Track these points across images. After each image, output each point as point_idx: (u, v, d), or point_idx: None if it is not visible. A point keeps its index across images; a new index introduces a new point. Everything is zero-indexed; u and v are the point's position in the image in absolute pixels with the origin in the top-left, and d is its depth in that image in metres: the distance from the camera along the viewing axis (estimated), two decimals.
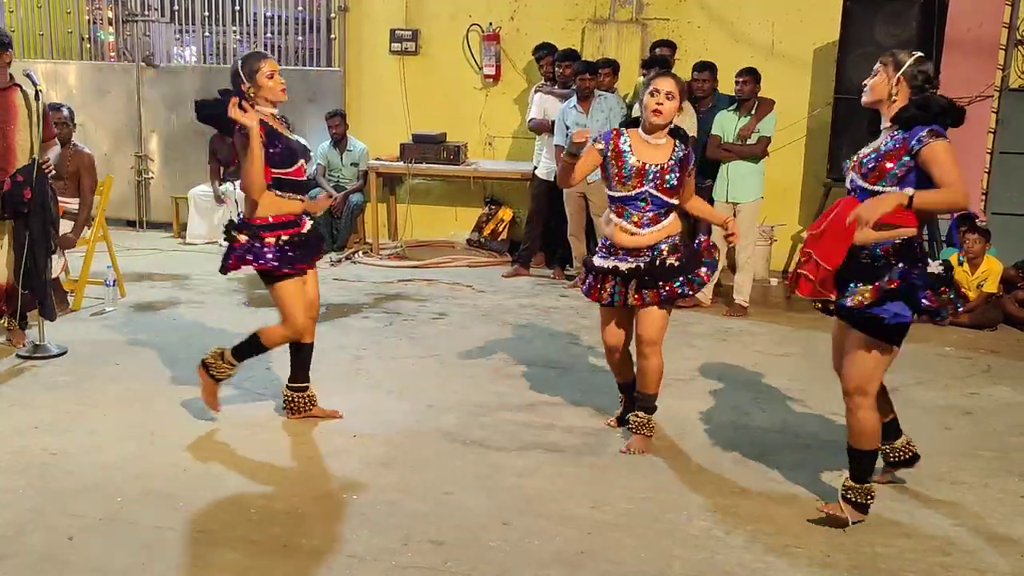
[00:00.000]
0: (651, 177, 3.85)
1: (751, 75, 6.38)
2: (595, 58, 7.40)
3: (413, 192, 8.59)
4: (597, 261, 4.00)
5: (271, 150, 3.88)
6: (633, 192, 3.86)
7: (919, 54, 3.33)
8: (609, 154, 3.92)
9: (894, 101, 3.32)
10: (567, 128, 6.87)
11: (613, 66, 7.09)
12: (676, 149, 3.92)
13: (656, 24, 8.00)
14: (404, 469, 3.80)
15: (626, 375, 4.23)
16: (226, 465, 3.78)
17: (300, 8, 8.95)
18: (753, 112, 6.38)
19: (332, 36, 8.79)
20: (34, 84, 4.83)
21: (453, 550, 3.15)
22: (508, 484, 3.67)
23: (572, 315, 6.34)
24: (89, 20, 9.50)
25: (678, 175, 3.88)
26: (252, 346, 4.11)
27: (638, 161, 3.86)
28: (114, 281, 6.18)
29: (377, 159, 8.33)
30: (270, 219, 3.95)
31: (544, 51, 7.58)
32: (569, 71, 7.04)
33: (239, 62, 3.98)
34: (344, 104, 8.64)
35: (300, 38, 9.04)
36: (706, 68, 6.69)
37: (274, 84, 3.94)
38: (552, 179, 7.21)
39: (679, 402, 4.69)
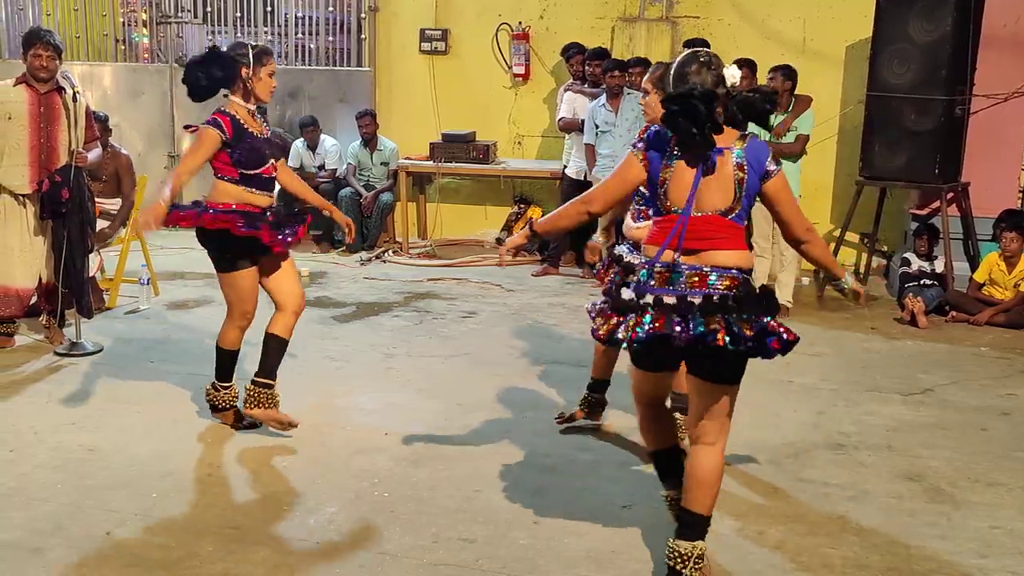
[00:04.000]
0: None
1: (781, 72, 6.31)
2: (625, 57, 7.37)
3: (443, 191, 8.61)
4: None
5: (234, 153, 3.86)
6: None
7: (693, 51, 2.99)
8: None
9: None
10: (597, 127, 6.86)
11: (645, 65, 7.04)
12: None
13: (686, 22, 7.96)
14: (434, 467, 3.81)
15: (604, 371, 4.19)
16: (257, 462, 3.82)
17: (331, 9, 9.00)
18: (789, 110, 6.32)
19: (362, 36, 8.83)
20: (72, 86, 4.91)
21: (484, 548, 3.16)
22: (533, 484, 3.67)
23: None
24: (123, 22, 9.62)
25: None
26: (222, 358, 4.10)
27: None
28: (148, 280, 6.26)
29: (407, 158, 8.36)
30: (233, 206, 3.90)
31: (573, 50, 7.56)
32: (599, 69, 7.03)
33: (250, 46, 3.87)
34: (374, 104, 8.67)
35: (331, 38, 9.09)
36: (744, 65, 6.60)
37: (268, 85, 3.91)
38: (582, 178, 7.20)
39: None
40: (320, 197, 4.47)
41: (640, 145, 2.94)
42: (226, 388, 4.13)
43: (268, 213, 3.98)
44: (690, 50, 2.99)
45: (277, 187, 4.11)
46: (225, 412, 4.15)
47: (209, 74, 3.83)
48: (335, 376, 4.93)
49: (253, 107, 3.94)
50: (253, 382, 4.05)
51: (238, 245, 3.88)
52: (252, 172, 3.92)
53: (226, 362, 4.11)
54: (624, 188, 2.97)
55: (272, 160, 4.00)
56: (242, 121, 3.88)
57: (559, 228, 3.25)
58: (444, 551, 3.14)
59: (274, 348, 4.07)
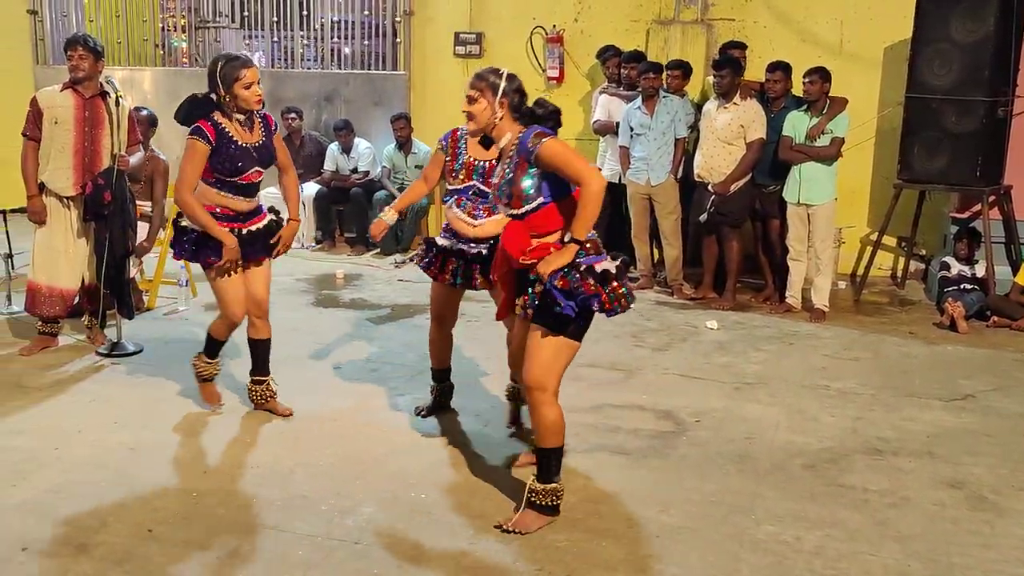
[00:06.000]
0: (479, 172, 3.99)
1: (819, 74, 6.27)
2: (660, 60, 7.33)
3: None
4: (440, 240, 4.16)
5: (215, 159, 3.96)
6: (462, 186, 4.03)
7: (507, 72, 3.37)
8: (448, 150, 4.09)
9: (496, 124, 3.34)
10: (631, 129, 6.84)
11: (684, 68, 7.00)
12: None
13: (722, 24, 7.92)
14: (470, 469, 3.82)
15: (443, 361, 4.40)
16: (295, 462, 3.85)
17: (366, 12, 9.08)
18: (824, 112, 6.27)
19: (397, 40, 8.90)
20: (115, 90, 5.00)
21: (521, 550, 3.17)
22: (575, 486, 3.66)
23: (636, 317, 6.30)
24: (163, 27, 9.77)
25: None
26: (208, 341, 4.37)
27: (469, 158, 4.03)
28: (187, 281, 6.34)
29: None
30: (217, 210, 4.05)
31: (609, 52, 7.55)
32: (635, 72, 7.01)
33: (218, 65, 3.96)
34: (409, 107, 8.73)
35: (366, 42, 9.17)
36: (778, 68, 6.58)
37: (250, 94, 3.95)
38: (616, 180, 7.18)
39: (746, 405, 4.64)
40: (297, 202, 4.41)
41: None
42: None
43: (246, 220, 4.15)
44: (507, 71, 3.38)
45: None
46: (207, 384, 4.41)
47: (191, 114, 4.00)
48: (371, 377, 4.97)
49: (240, 116, 4.02)
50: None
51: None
52: (229, 179, 4.02)
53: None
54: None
55: (257, 168, 4.08)
56: (226, 129, 3.99)
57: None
58: (481, 552, 3.15)
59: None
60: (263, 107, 4.10)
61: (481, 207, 4.01)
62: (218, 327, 4.29)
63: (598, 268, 3.21)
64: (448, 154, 4.09)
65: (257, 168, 4.08)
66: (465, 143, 4.07)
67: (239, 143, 4.00)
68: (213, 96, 4.00)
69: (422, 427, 4.25)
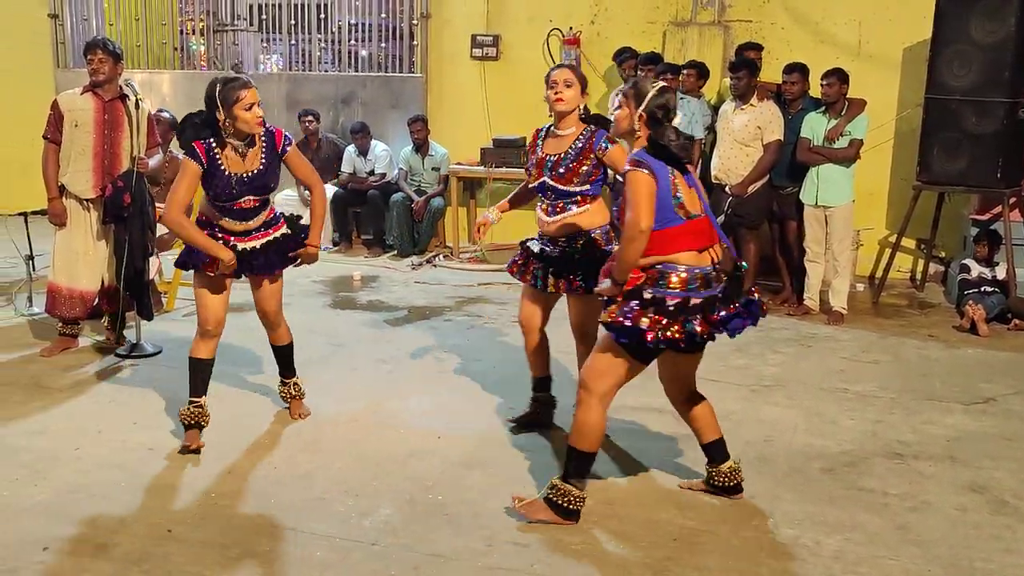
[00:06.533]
0: (548, 167, 3.94)
1: (836, 76, 6.24)
2: (677, 62, 7.32)
3: (493, 196, 8.60)
4: (529, 243, 4.15)
5: (205, 183, 3.86)
6: (536, 183, 4.01)
7: (661, 85, 3.29)
8: (529, 150, 4.12)
9: (638, 136, 3.30)
10: None
11: (699, 68, 6.99)
12: (579, 138, 3.93)
13: (739, 26, 7.89)
14: (486, 471, 3.82)
15: (539, 368, 4.27)
16: (313, 463, 3.86)
17: (383, 15, 9.10)
18: (843, 113, 6.23)
19: (414, 42, 8.92)
20: (135, 93, 5.04)
21: (538, 553, 3.16)
22: (592, 488, 3.64)
23: None
24: (181, 31, 9.84)
25: (572, 163, 3.89)
26: (190, 369, 4.12)
27: (542, 153, 4.00)
28: None
29: (458, 163, 8.41)
30: (204, 218, 3.99)
31: (626, 54, 7.54)
32: (652, 74, 6.99)
33: (216, 87, 3.76)
34: (426, 109, 8.75)
35: (383, 45, 9.20)
36: (795, 70, 6.55)
37: (251, 116, 3.77)
38: None
39: (763, 407, 4.62)
40: (319, 225, 4.21)
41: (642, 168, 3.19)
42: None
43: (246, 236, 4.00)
44: (662, 84, 3.33)
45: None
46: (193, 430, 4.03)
47: (184, 132, 3.88)
48: (387, 379, 4.98)
49: (238, 143, 3.84)
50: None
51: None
52: (219, 203, 3.91)
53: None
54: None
55: (250, 196, 3.91)
56: (217, 154, 3.83)
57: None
58: (498, 555, 3.15)
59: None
60: (265, 126, 3.89)
61: (556, 202, 3.94)
62: (195, 341, 4.10)
63: (670, 301, 3.17)
64: (529, 154, 4.11)
65: (249, 196, 3.90)
66: (543, 142, 4.04)
67: (227, 172, 3.83)
68: (216, 115, 3.81)
69: (439, 428, 4.26)
